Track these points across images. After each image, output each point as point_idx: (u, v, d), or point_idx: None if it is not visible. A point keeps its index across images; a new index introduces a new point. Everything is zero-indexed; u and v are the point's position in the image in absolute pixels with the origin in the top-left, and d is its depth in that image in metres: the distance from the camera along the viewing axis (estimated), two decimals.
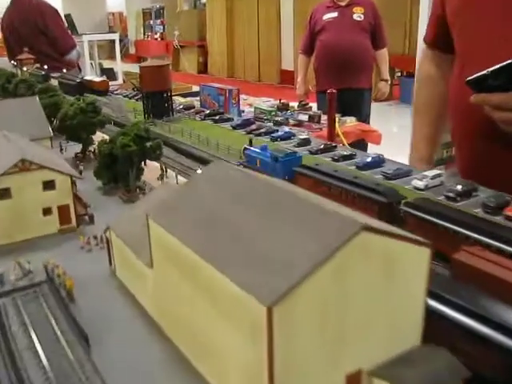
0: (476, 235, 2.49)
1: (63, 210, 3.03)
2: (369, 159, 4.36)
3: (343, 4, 8.28)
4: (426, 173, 3.94)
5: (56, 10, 14.16)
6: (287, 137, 5.07)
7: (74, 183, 3.26)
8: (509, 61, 2.38)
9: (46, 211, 2.99)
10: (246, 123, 5.52)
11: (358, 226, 1.42)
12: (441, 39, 4.00)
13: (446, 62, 4.01)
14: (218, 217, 1.77)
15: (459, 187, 3.44)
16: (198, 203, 1.90)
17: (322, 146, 4.70)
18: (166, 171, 3.99)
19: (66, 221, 3.07)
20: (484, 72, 2.53)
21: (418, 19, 14.49)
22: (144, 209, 2.38)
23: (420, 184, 3.83)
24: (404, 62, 16.69)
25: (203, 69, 25.15)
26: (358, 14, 8.35)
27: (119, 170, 3.60)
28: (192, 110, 6.42)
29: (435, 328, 1.66)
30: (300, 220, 1.58)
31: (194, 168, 4.25)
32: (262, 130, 5.24)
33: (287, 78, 20.22)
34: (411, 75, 17.07)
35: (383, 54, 8.71)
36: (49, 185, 2.95)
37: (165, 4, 27.94)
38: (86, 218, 3.21)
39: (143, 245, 2.17)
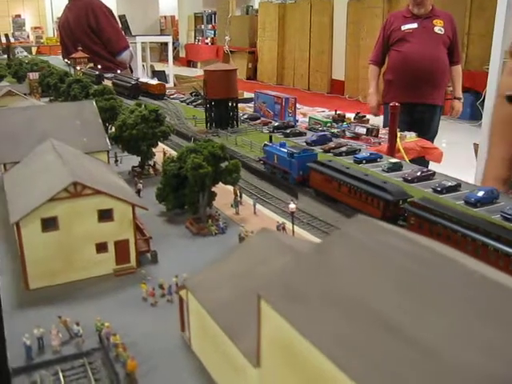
0: (479, 236, 2.48)
1: (121, 246, 2.39)
2: (480, 193, 3.59)
3: (422, 15, 7.68)
4: None
5: (110, 10, 13.87)
6: (373, 159, 4.33)
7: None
8: None
9: (101, 247, 2.35)
10: (322, 139, 4.81)
11: None
12: None
13: None
14: (379, 314, 1.09)
15: None
16: (340, 286, 1.21)
17: (418, 174, 3.94)
18: (241, 196, 3.33)
19: (124, 259, 2.43)
20: None
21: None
22: (239, 269, 1.70)
23: None
24: None
25: (252, 75, 24.69)
26: (438, 27, 7.65)
27: (187, 194, 2.95)
28: (258, 121, 5.76)
29: None
30: None
31: (273, 194, 3.57)
32: (342, 150, 4.52)
33: (337, 87, 19.46)
34: (465, 91, 16.03)
35: (458, 70, 7.93)
36: (105, 215, 2.31)
37: (217, 9, 27.68)
38: (148, 255, 2.57)
39: (240, 325, 1.50)
